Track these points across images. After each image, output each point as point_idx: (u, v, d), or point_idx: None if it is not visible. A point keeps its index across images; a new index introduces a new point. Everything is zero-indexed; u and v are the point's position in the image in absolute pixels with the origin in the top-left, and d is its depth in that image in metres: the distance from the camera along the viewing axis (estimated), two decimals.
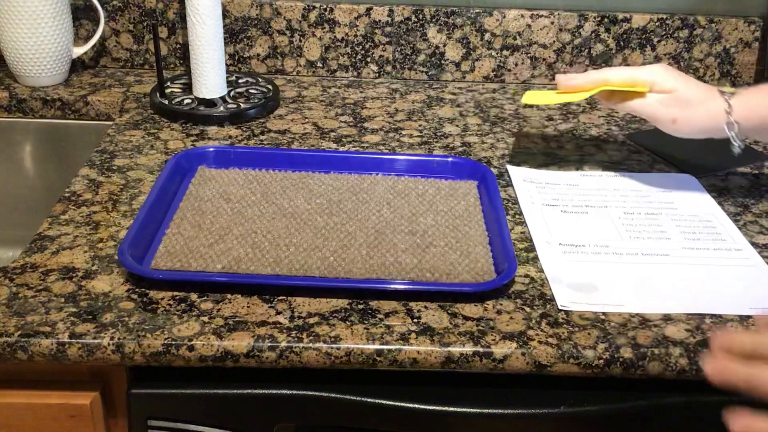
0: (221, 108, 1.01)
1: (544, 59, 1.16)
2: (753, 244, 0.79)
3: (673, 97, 0.80)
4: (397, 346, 0.64)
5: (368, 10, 1.13)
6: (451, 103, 1.10)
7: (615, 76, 0.83)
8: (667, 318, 0.68)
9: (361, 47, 1.15)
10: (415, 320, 0.66)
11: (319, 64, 1.16)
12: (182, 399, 0.66)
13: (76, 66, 1.15)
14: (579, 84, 0.84)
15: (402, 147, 0.96)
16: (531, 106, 1.09)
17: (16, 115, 1.07)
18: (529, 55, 1.16)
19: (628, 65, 1.16)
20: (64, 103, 1.07)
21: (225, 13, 1.12)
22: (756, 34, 1.15)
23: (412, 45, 1.15)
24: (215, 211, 0.79)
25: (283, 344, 0.63)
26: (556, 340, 0.65)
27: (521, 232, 0.80)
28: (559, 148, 0.98)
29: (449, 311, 0.68)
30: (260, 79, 1.10)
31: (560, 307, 0.68)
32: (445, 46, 1.15)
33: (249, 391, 0.66)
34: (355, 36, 1.14)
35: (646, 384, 0.67)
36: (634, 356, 0.64)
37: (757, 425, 0.48)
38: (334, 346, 0.63)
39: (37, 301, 0.66)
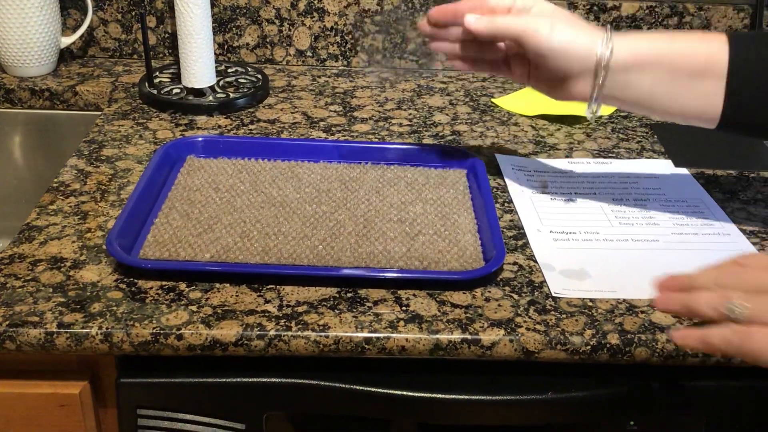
0: (210, 97, 1.01)
1: None
2: (741, 230, 0.79)
3: (555, 13, 0.71)
4: (386, 334, 0.64)
5: None
6: (441, 92, 1.10)
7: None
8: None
9: (350, 36, 1.15)
10: (404, 308, 0.67)
11: (309, 54, 1.16)
12: (171, 388, 0.66)
13: (65, 56, 1.14)
14: (493, 27, 0.72)
15: (392, 136, 0.96)
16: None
17: (4, 105, 1.07)
18: None
19: None
20: (52, 94, 1.06)
21: (213, 2, 1.12)
22: (745, 21, 1.15)
23: (401, 34, 1.15)
24: (204, 201, 0.79)
25: (272, 333, 0.63)
26: (544, 326, 0.65)
27: (510, 220, 0.80)
28: (549, 136, 0.98)
29: (438, 299, 0.68)
30: (249, 69, 1.10)
31: (554, 295, 0.68)
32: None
33: (238, 379, 0.66)
34: (345, 25, 1.14)
35: (633, 370, 0.67)
36: (620, 342, 0.64)
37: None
38: (322, 334, 0.63)
39: (25, 291, 0.66)
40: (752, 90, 0.68)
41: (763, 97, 0.68)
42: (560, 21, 0.70)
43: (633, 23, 1.15)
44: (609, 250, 0.75)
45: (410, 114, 1.02)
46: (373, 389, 0.66)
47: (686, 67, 0.69)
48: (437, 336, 0.64)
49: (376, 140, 0.94)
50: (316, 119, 1.00)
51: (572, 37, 0.69)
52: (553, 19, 0.70)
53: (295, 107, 1.03)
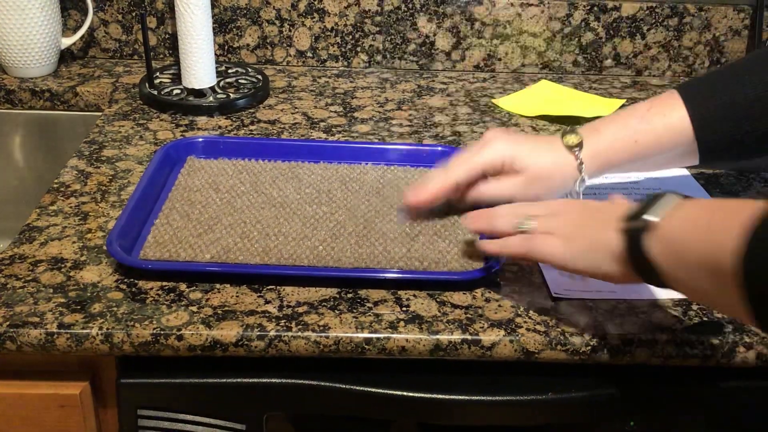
0: (211, 98, 1.01)
1: (534, 48, 1.16)
2: None
3: (527, 179, 0.72)
4: (386, 335, 0.64)
5: None
6: (441, 92, 1.10)
7: (460, 174, 0.73)
8: (655, 304, 0.68)
9: (351, 37, 1.15)
10: (404, 309, 0.67)
11: (309, 54, 1.16)
12: (172, 388, 0.66)
13: (65, 57, 1.14)
14: (429, 194, 0.74)
15: (392, 136, 0.96)
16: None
17: (5, 106, 1.07)
18: (519, 44, 1.16)
19: (618, 54, 1.17)
20: (53, 94, 1.06)
21: (214, 3, 1.12)
22: (745, 22, 1.15)
23: (402, 34, 1.15)
24: (204, 201, 0.79)
25: (272, 333, 0.63)
26: (544, 327, 0.65)
27: None
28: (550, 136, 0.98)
29: (438, 299, 0.68)
30: (250, 69, 1.10)
31: (554, 295, 0.68)
32: (435, 35, 1.15)
33: (238, 380, 0.66)
34: (345, 25, 1.14)
35: (633, 370, 0.67)
36: (620, 342, 0.64)
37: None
38: (322, 334, 0.64)
39: (26, 292, 0.66)
40: (723, 135, 0.71)
41: (733, 139, 0.71)
42: (539, 187, 0.73)
43: (633, 24, 1.15)
44: None
45: (410, 114, 1.02)
46: (373, 390, 0.66)
47: (656, 156, 0.73)
48: (437, 336, 0.64)
49: (377, 141, 0.94)
50: (316, 120, 1.00)
51: (550, 191, 0.74)
52: (530, 186, 0.73)
53: (296, 108, 1.03)
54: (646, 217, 0.56)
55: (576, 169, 0.72)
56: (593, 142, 0.73)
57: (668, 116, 0.71)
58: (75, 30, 1.13)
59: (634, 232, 0.56)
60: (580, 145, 0.72)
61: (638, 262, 0.57)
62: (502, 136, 0.74)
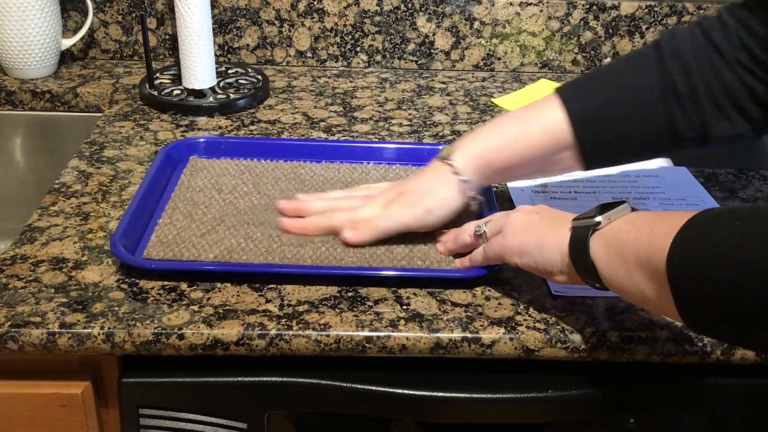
0: (211, 98, 1.01)
1: (533, 47, 1.16)
2: None
3: (410, 198, 0.72)
4: (386, 333, 0.64)
5: None
6: (441, 91, 1.10)
7: (389, 230, 0.73)
8: None
9: (350, 37, 1.15)
10: (404, 307, 0.67)
11: (309, 54, 1.16)
12: (173, 387, 0.66)
13: (65, 58, 1.14)
14: (358, 242, 0.73)
15: (392, 136, 0.96)
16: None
17: (6, 107, 1.07)
18: (518, 43, 1.16)
19: (617, 53, 1.17)
20: (53, 95, 1.07)
21: (214, 4, 1.12)
22: None
23: (401, 34, 1.15)
24: (207, 202, 0.79)
25: (273, 332, 0.64)
26: (544, 325, 0.65)
27: None
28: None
29: (438, 298, 0.68)
30: (250, 70, 1.10)
31: (554, 293, 0.69)
32: (434, 35, 1.15)
33: (240, 378, 0.66)
34: (345, 25, 1.14)
35: (633, 367, 0.68)
36: (620, 340, 0.65)
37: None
38: (323, 333, 0.64)
39: (27, 292, 0.67)
40: (602, 136, 0.70)
41: (613, 140, 0.70)
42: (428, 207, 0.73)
43: (632, 23, 1.15)
44: None
45: (410, 114, 1.02)
46: (374, 388, 0.66)
47: (540, 159, 0.72)
48: (438, 334, 0.64)
49: (377, 140, 0.95)
50: (316, 120, 1.00)
51: (442, 203, 0.73)
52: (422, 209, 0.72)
53: (296, 108, 1.03)
54: (594, 218, 0.59)
55: (451, 173, 0.72)
56: (470, 146, 0.73)
57: (546, 117, 0.71)
58: (75, 31, 1.14)
59: (580, 229, 0.60)
60: (450, 153, 0.72)
61: (578, 256, 0.59)
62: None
